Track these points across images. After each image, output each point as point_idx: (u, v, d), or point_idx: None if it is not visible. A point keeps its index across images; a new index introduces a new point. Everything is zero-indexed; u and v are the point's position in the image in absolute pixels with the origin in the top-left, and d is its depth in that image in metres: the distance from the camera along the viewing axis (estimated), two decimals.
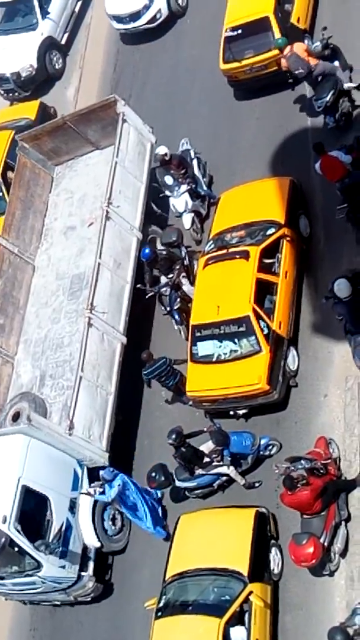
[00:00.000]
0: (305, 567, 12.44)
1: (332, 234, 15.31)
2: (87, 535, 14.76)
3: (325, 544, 12.27)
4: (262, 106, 18.04)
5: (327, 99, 15.47)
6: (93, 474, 15.03)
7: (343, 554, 12.66)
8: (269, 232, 14.90)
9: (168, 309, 16.05)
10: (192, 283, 15.83)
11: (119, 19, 21.22)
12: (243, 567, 12.53)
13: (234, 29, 17.49)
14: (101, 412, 15.19)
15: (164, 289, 16.01)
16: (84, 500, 14.81)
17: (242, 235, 15.22)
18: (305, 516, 12.42)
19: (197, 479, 14.08)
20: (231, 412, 14.63)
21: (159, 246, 16.58)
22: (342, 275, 13.15)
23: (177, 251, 16.18)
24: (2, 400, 16.55)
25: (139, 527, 14.78)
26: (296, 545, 12.12)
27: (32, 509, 14.21)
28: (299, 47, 15.71)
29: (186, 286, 15.98)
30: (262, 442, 13.97)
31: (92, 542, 14.79)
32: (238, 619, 12.26)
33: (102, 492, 14.42)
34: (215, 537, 13.21)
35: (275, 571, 13.05)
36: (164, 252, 16.04)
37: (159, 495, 14.92)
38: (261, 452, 14.03)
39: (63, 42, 23.22)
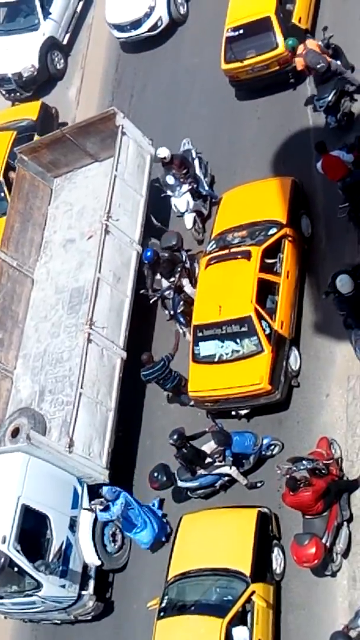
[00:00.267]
0: (308, 567, 12.43)
1: (334, 234, 15.30)
2: (87, 554, 14.61)
3: (328, 544, 12.26)
4: (264, 106, 18.04)
5: (329, 98, 15.48)
6: (93, 491, 14.89)
7: (345, 554, 12.65)
8: (271, 232, 14.90)
9: (172, 312, 16.02)
10: (194, 286, 15.80)
11: (119, 27, 21.10)
12: (245, 567, 12.53)
13: (235, 29, 17.49)
14: (101, 429, 15.08)
15: (167, 292, 15.98)
16: (84, 518, 14.66)
17: (243, 235, 15.21)
18: (307, 516, 12.41)
19: (199, 479, 14.08)
20: (233, 412, 14.63)
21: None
22: (343, 270, 13.15)
23: (178, 255, 16.16)
24: (1, 416, 16.38)
25: (139, 545, 14.67)
26: (298, 545, 12.12)
27: (32, 528, 14.04)
28: (312, 44, 15.63)
29: (188, 288, 15.95)
30: (264, 442, 13.96)
31: (93, 560, 14.64)
32: (240, 619, 12.25)
33: (104, 510, 14.24)
34: (217, 537, 13.21)
35: (278, 571, 13.05)
36: (166, 255, 16.02)
37: (160, 511, 14.86)
38: (263, 452, 14.02)
39: (65, 42, 23.20)
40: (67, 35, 23.21)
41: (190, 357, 14.78)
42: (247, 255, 14.56)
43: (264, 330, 14.01)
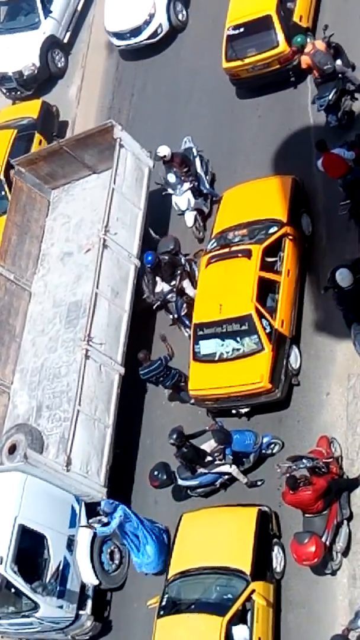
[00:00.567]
0: (308, 566, 12.43)
1: (334, 232, 15.30)
2: (85, 573, 14.48)
3: (327, 542, 12.26)
4: (265, 104, 18.03)
5: (330, 97, 15.47)
6: (91, 509, 14.80)
7: (345, 552, 12.66)
8: (271, 230, 14.90)
9: (176, 315, 15.99)
10: (195, 287, 15.76)
11: (119, 35, 20.97)
12: (245, 565, 12.53)
13: (236, 27, 17.49)
14: (99, 446, 14.94)
15: (170, 295, 15.97)
16: (81, 537, 14.54)
17: (244, 233, 15.21)
18: (307, 515, 12.40)
19: (199, 477, 14.09)
20: (233, 411, 14.63)
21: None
22: (343, 264, 13.14)
23: (177, 258, 16.14)
24: None
25: (137, 567, 14.52)
26: (298, 544, 12.11)
27: (29, 548, 13.90)
28: (321, 44, 15.55)
29: (190, 290, 15.92)
30: (264, 440, 13.96)
31: (91, 580, 14.51)
32: (240, 617, 12.25)
33: (104, 525, 14.20)
34: (217, 535, 13.20)
35: (278, 570, 13.05)
36: (166, 257, 15.99)
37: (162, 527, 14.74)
38: (263, 451, 14.02)
39: (65, 40, 23.21)
40: (68, 34, 23.22)
41: (190, 355, 14.77)
42: (247, 253, 14.56)
43: (264, 328, 14.01)
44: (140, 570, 14.46)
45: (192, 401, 15.13)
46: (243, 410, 14.59)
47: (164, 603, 12.96)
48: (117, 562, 14.94)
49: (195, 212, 16.94)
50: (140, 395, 16.47)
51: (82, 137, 17.68)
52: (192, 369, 14.77)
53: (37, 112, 21.00)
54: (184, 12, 20.81)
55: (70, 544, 14.47)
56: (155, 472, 14.38)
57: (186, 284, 16.04)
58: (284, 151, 17.00)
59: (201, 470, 14.04)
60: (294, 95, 17.56)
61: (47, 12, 22.56)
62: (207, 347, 14.53)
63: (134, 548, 14.26)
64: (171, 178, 16.73)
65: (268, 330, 14.05)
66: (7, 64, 22.39)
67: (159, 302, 16.20)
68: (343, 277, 12.91)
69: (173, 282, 15.94)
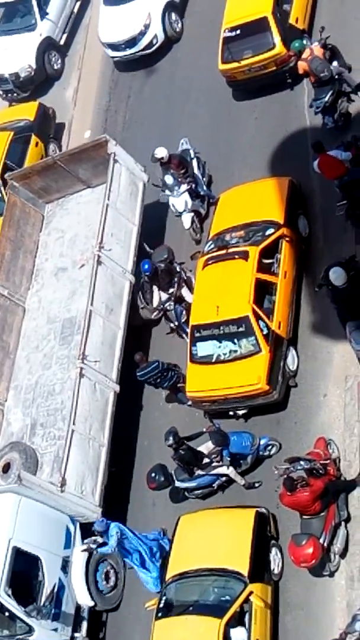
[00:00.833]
0: (305, 567, 12.43)
1: (331, 234, 15.31)
2: (80, 595, 14.31)
3: (325, 544, 12.26)
4: (261, 106, 18.05)
5: (326, 99, 15.48)
6: (86, 529, 14.62)
7: (343, 554, 12.66)
8: (268, 232, 14.90)
9: (176, 323, 15.96)
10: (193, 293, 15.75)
11: (114, 46, 20.87)
12: (243, 567, 12.52)
13: (232, 29, 17.50)
14: (94, 466, 14.80)
15: (168, 303, 15.96)
16: (76, 558, 14.39)
17: (241, 235, 15.22)
18: (304, 517, 12.40)
19: (196, 479, 14.08)
20: (231, 413, 14.64)
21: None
22: (336, 263, 13.16)
23: (172, 266, 16.11)
24: None
25: (141, 580, 14.32)
26: (296, 545, 12.11)
27: (23, 570, 13.74)
28: (319, 50, 15.50)
29: (189, 297, 15.88)
30: (262, 442, 13.97)
31: (86, 601, 14.37)
32: (238, 619, 12.24)
33: (101, 545, 14.13)
34: (215, 537, 13.20)
35: (276, 571, 13.04)
36: (162, 265, 15.96)
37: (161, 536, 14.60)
38: (261, 452, 14.03)
39: (62, 42, 23.23)
40: (64, 36, 23.24)
41: (187, 357, 14.78)
42: (244, 255, 14.57)
43: (261, 330, 14.02)
44: (147, 586, 14.22)
45: (190, 402, 15.13)
46: (240, 412, 14.60)
47: (162, 605, 12.95)
48: (112, 582, 14.76)
49: (192, 214, 16.97)
50: (137, 397, 16.46)
51: (76, 151, 17.53)
52: (189, 371, 14.78)
53: (34, 114, 20.97)
54: (179, 23, 20.72)
55: (65, 565, 14.33)
56: (153, 474, 14.40)
57: (184, 291, 15.99)
58: (281, 153, 17.02)
59: (199, 472, 14.04)
60: (290, 96, 17.58)
61: (43, 13, 22.57)
62: (204, 348, 14.53)
63: (139, 565, 14.14)
64: (168, 180, 16.73)
65: (265, 331, 14.06)
66: (3, 66, 22.40)
67: (160, 314, 16.20)
68: (337, 276, 12.93)
69: (171, 290, 15.92)
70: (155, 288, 16.31)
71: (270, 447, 14.09)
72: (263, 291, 14.42)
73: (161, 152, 16.56)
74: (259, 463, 14.15)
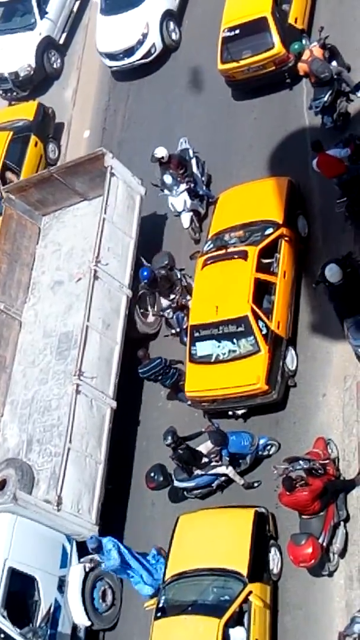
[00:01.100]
0: (304, 567, 12.43)
1: (330, 234, 15.32)
2: (76, 614, 14.18)
3: (324, 544, 12.26)
4: (260, 106, 18.05)
5: (325, 99, 15.47)
6: (83, 547, 14.46)
7: (342, 554, 12.66)
8: (267, 232, 14.91)
9: (177, 330, 15.91)
10: None
11: (112, 56, 20.73)
12: (242, 567, 12.52)
13: (231, 29, 17.50)
14: (90, 483, 14.64)
15: (167, 311, 15.94)
16: (73, 577, 14.28)
17: (240, 235, 15.23)
18: (304, 516, 12.40)
19: (195, 479, 14.09)
20: (230, 412, 14.64)
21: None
22: (332, 260, 13.18)
23: (172, 273, 16.07)
24: None
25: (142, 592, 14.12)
26: (295, 545, 12.12)
27: (19, 591, 13.60)
28: (318, 51, 15.49)
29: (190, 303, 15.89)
30: (261, 442, 13.97)
31: (82, 621, 14.22)
32: (237, 619, 12.24)
33: (97, 563, 14.08)
34: (214, 537, 13.20)
35: (275, 571, 13.04)
36: (162, 272, 15.92)
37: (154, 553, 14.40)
38: (260, 452, 14.03)
39: (61, 42, 23.23)
40: (64, 35, 23.25)
41: (187, 357, 14.78)
42: (243, 255, 14.57)
43: (260, 330, 14.02)
44: (143, 593, 14.07)
45: (189, 402, 15.12)
46: (239, 412, 14.60)
47: (161, 605, 12.95)
48: (109, 601, 14.63)
49: (191, 213, 16.97)
50: (136, 397, 16.46)
51: (73, 164, 17.41)
52: (189, 371, 14.78)
53: (33, 114, 20.96)
54: (177, 31, 20.63)
55: (62, 584, 14.20)
56: (152, 474, 14.42)
57: (187, 298, 15.91)
58: (280, 153, 17.03)
59: (197, 471, 14.04)
60: (289, 96, 17.58)
61: (43, 13, 22.56)
62: (203, 348, 14.53)
63: (136, 577, 13.99)
64: (167, 179, 16.72)
65: (264, 331, 14.06)
66: (3, 65, 22.39)
67: (158, 327, 16.18)
68: (332, 273, 12.95)
69: (172, 296, 15.88)
70: (157, 295, 16.26)
71: (269, 447, 14.10)
72: (262, 291, 14.42)
73: (161, 152, 16.56)
74: (258, 463, 14.16)
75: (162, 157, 16.50)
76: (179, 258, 16.56)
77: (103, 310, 15.69)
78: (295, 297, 14.98)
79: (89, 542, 13.87)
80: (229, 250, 14.94)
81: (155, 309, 16.29)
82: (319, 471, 12.38)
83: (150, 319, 16.64)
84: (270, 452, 14.11)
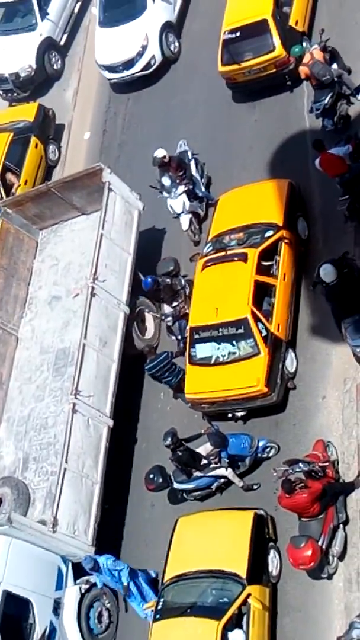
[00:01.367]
0: (304, 569, 12.43)
1: (331, 236, 15.32)
2: (72, 637, 14.05)
3: (324, 546, 12.25)
4: (261, 108, 18.07)
5: (326, 101, 15.50)
6: (79, 568, 14.35)
7: (341, 556, 12.65)
8: (268, 234, 14.91)
9: (179, 337, 15.82)
10: None
11: (111, 68, 20.65)
12: (241, 569, 12.51)
13: (232, 31, 17.52)
14: (87, 504, 14.51)
15: (168, 319, 15.92)
16: (68, 599, 14.15)
17: (240, 237, 15.23)
18: (303, 519, 12.40)
19: (195, 481, 14.09)
20: (229, 414, 14.64)
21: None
22: (328, 260, 13.19)
23: (176, 280, 16.06)
24: None
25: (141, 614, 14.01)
26: (294, 548, 12.11)
27: (14, 614, 13.45)
28: (319, 54, 15.49)
29: None
30: (260, 444, 13.97)
31: None
32: (236, 621, 12.22)
33: (93, 585, 14.03)
34: (213, 539, 13.19)
35: (274, 573, 13.03)
36: (167, 280, 15.90)
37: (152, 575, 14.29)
38: (259, 454, 14.03)
39: (62, 43, 23.26)
40: (65, 36, 23.28)
41: (186, 359, 14.78)
42: (243, 257, 14.57)
43: (260, 332, 14.02)
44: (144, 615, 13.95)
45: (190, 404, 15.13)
46: (239, 414, 14.60)
47: (159, 607, 12.93)
48: (105, 623, 14.50)
49: (190, 215, 16.97)
50: (136, 399, 16.46)
51: (70, 179, 17.32)
52: (188, 373, 14.77)
53: (33, 115, 21.01)
54: (176, 43, 20.55)
55: (57, 607, 14.07)
56: (151, 476, 14.39)
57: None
58: (280, 155, 17.03)
59: (197, 473, 14.04)
60: (290, 99, 17.59)
61: (44, 14, 22.59)
62: (203, 350, 14.53)
63: (137, 595, 13.92)
64: (165, 181, 16.73)
65: (264, 333, 14.06)
66: (3, 66, 22.42)
67: (156, 342, 16.10)
68: (327, 273, 12.98)
69: (174, 304, 15.86)
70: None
71: (268, 449, 14.09)
72: (262, 293, 14.42)
73: (161, 153, 16.56)
74: (258, 465, 14.15)
75: (164, 156, 16.49)
76: (179, 261, 16.54)
77: (100, 328, 15.54)
78: (295, 299, 14.99)
79: (85, 563, 13.79)
80: (229, 252, 14.94)
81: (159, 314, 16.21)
82: (319, 474, 12.38)
83: (148, 335, 16.51)
84: (270, 455, 14.10)
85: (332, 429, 13.76)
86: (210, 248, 15.45)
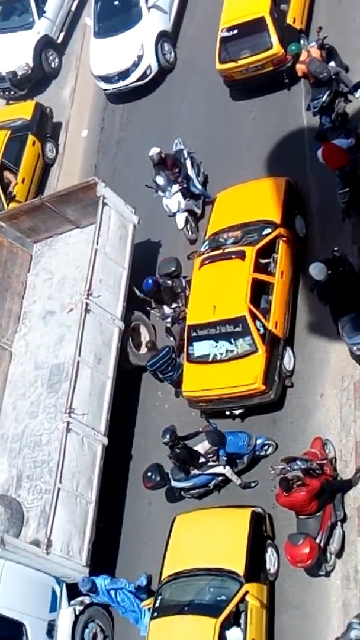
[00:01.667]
0: (302, 567, 12.43)
1: (328, 234, 15.31)
2: None
3: (321, 544, 12.26)
4: (259, 106, 18.05)
5: (323, 99, 15.48)
6: (73, 588, 14.24)
7: (339, 554, 12.66)
8: (265, 232, 14.91)
9: (178, 339, 15.76)
10: None
11: (106, 79, 20.50)
12: (239, 567, 12.51)
13: (230, 29, 17.48)
14: (81, 524, 14.28)
15: (167, 320, 15.88)
16: (62, 621, 13.94)
17: (238, 235, 15.22)
18: (301, 516, 12.40)
19: (192, 478, 14.09)
20: (227, 412, 14.63)
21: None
22: (319, 259, 13.21)
23: (177, 281, 16.01)
24: None
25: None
26: (292, 545, 12.12)
27: (7, 638, 13.25)
28: (316, 52, 15.47)
29: None
30: (258, 442, 13.97)
31: None
32: (234, 619, 12.23)
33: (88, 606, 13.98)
34: (211, 537, 13.19)
35: (272, 571, 13.03)
36: (168, 282, 15.85)
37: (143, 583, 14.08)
38: (257, 452, 14.03)
39: (59, 41, 23.22)
40: (62, 34, 23.24)
41: (184, 357, 14.77)
42: (241, 255, 14.57)
43: (258, 330, 14.02)
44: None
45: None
46: (237, 412, 14.59)
47: (157, 605, 12.93)
48: None
49: (186, 214, 16.93)
50: (134, 396, 16.46)
51: (64, 193, 17.11)
52: (186, 371, 14.77)
53: (31, 113, 20.97)
54: (172, 52, 20.41)
55: (51, 629, 13.86)
56: (149, 474, 14.38)
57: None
58: (278, 153, 17.02)
59: (195, 471, 14.04)
60: (287, 96, 17.58)
61: (41, 12, 22.54)
62: (200, 348, 14.53)
63: (137, 612, 13.82)
64: (160, 180, 16.71)
65: (262, 331, 14.06)
66: (0, 64, 22.35)
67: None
68: (318, 271, 13.01)
69: (174, 305, 15.82)
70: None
71: (266, 447, 14.09)
72: (260, 291, 14.41)
73: (157, 149, 16.53)
74: (255, 463, 14.16)
75: (160, 152, 16.45)
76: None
77: (95, 344, 15.35)
78: (293, 297, 14.98)
79: (82, 585, 13.68)
80: (226, 250, 14.94)
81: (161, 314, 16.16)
82: (317, 471, 12.38)
83: (143, 350, 16.42)
84: (268, 452, 14.10)
85: (330, 427, 13.76)
86: (208, 246, 15.44)
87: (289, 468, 12.24)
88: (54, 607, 14.04)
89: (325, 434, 13.55)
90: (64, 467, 14.28)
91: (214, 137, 18.35)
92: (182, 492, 14.49)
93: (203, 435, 13.96)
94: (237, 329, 14.10)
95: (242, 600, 12.30)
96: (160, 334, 16.61)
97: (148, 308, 16.32)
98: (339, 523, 12.67)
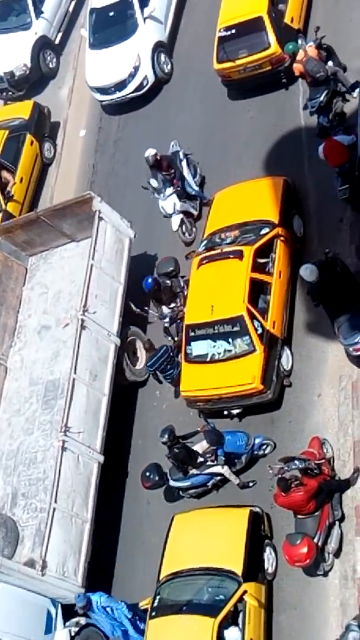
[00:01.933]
0: (300, 567, 12.44)
1: (326, 234, 15.32)
2: None
3: (319, 543, 12.27)
4: (256, 106, 18.05)
5: (321, 99, 15.48)
6: (69, 608, 14.03)
7: (337, 553, 12.67)
8: (263, 231, 14.91)
9: (176, 339, 15.74)
10: None
11: (103, 90, 20.37)
12: (237, 566, 12.52)
13: (227, 28, 17.48)
14: (76, 544, 14.13)
15: (165, 320, 15.84)
16: None
17: (236, 235, 15.22)
18: (299, 516, 12.42)
19: (191, 478, 14.10)
20: (225, 412, 14.63)
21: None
22: (315, 262, 13.25)
23: (176, 281, 15.96)
24: None
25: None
26: (290, 545, 12.12)
27: None
28: (313, 51, 15.47)
29: None
30: (256, 441, 13.98)
31: None
32: (232, 618, 12.23)
33: (84, 627, 13.76)
34: (209, 536, 13.20)
35: (270, 571, 13.04)
36: (167, 282, 15.81)
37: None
38: (255, 452, 14.03)
39: (57, 41, 23.18)
40: (60, 35, 23.19)
41: (182, 356, 14.78)
42: (239, 255, 14.57)
43: (256, 329, 14.02)
44: None
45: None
46: (235, 412, 14.60)
47: (155, 604, 12.93)
48: None
49: (181, 215, 16.90)
50: (132, 396, 16.46)
51: (60, 207, 16.96)
52: (184, 370, 14.78)
53: (29, 113, 20.95)
54: (169, 63, 20.28)
55: None
56: (147, 473, 14.38)
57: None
58: (276, 152, 17.02)
59: (193, 471, 14.05)
60: (285, 96, 17.58)
61: (38, 12, 22.49)
62: (198, 348, 14.53)
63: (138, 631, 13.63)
64: (154, 183, 16.70)
65: (259, 331, 14.07)
66: None
67: (147, 374, 16.02)
68: (309, 272, 13.03)
69: (172, 305, 15.81)
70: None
71: (264, 447, 14.10)
72: (258, 291, 14.42)
73: (152, 151, 16.52)
74: (254, 462, 14.16)
75: (156, 153, 16.43)
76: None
77: (90, 361, 15.21)
78: (291, 297, 14.98)
79: (78, 601, 13.52)
80: (224, 249, 14.94)
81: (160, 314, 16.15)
82: (314, 471, 12.39)
83: (139, 365, 16.39)
84: (266, 452, 14.11)
85: (328, 427, 13.77)
86: (206, 246, 15.44)
87: (287, 468, 12.25)
88: (49, 628, 13.85)
89: (323, 433, 13.56)
90: (59, 486, 14.15)
91: (212, 136, 18.35)
92: (180, 492, 14.49)
93: (201, 435, 13.98)
94: (235, 329, 14.11)
95: (241, 599, 12.30)
96: (159, 335, 16.61)
97: (146, 308, 16.30)
98: (336, 522, 12.68)
